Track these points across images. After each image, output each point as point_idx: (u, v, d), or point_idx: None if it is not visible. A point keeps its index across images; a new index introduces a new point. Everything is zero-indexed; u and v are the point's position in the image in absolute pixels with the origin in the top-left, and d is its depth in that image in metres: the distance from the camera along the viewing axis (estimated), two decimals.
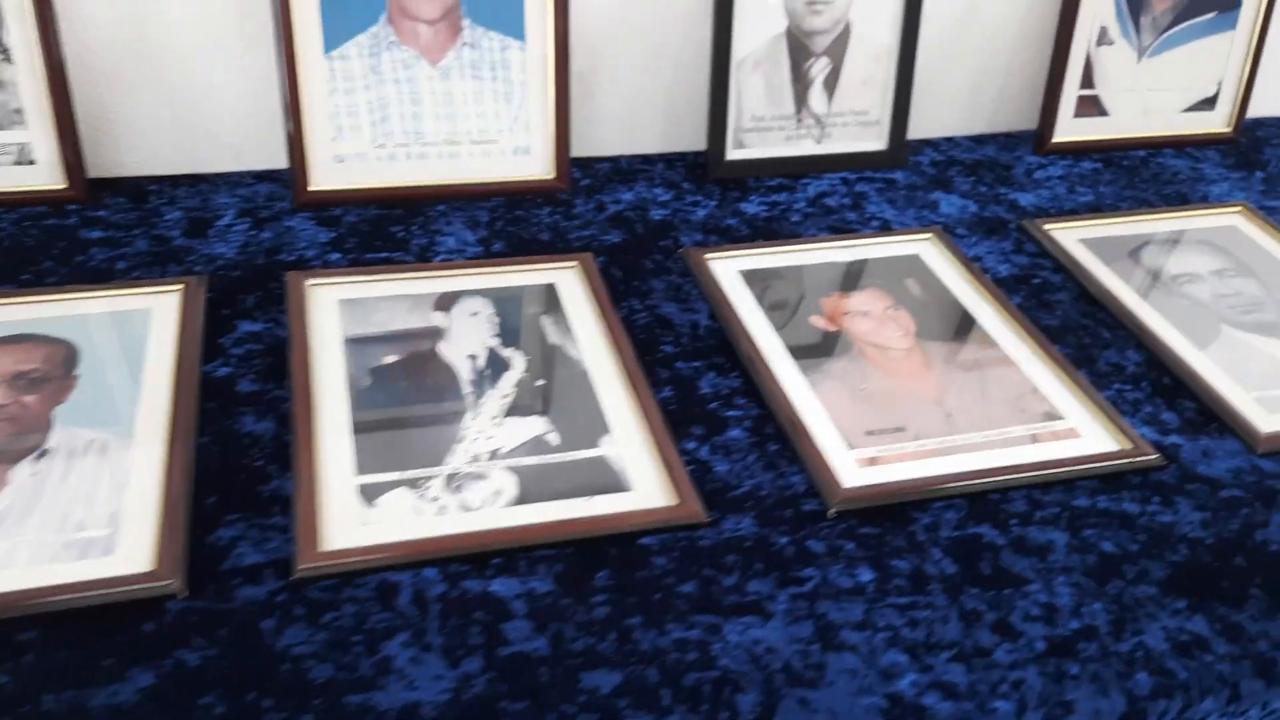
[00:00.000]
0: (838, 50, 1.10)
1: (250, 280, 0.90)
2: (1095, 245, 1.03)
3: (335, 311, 0.86)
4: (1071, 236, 1.05)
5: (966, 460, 0.78)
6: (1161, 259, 1.03)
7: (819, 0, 1.07)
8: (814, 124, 1.12)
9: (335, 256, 0.94)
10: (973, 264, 0.99)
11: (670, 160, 1.14)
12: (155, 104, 1.01)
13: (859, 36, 1.10)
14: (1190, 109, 1.22)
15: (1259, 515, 0.75)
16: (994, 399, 0.84)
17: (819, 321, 0.91)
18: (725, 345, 0.87)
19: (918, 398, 0.83)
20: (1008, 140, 1.23)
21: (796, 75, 1.10)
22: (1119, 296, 0.96)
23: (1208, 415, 0.84)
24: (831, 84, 1.11)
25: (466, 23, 0.98)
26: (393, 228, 0.98)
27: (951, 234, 1.05)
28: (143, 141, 1.02)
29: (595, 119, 1.12)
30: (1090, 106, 1.19)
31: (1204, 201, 1.13)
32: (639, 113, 1.13)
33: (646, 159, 1.14)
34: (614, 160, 1.13)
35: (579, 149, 1.13)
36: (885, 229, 1.05)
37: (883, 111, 1.14)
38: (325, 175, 0.99)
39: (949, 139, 1.23)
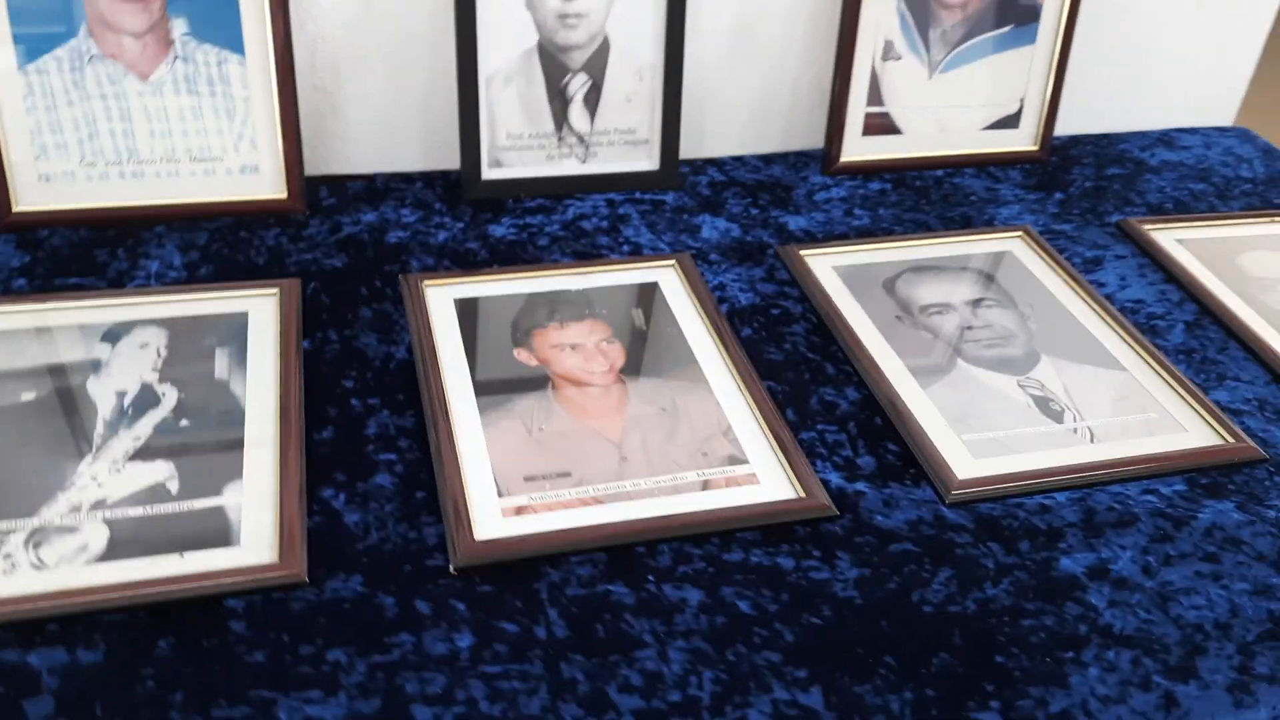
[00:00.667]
0: (597, 66, 1.05)
1: None
2: (849, 273, 0.99)
3: None
4: (826, 263, 1.00)
5: (624, 509, 0.73)
6: (915, 288, 0.98)
7: (571, 14, 1.02)
8: (577, 143, 1.08)
9: (20, 283, 0.89)
10: (710, 293, 0.94)
11: (431, 179, 1.09)
12: None
13: (619, 51, 1.05)
14: (991, 127, 1.18)
15: (924, 573, 0.70)
16: (681, 441, 0.79)
17: (523, 355, 0.86)
18: (412, 381, 0.83)
19: (599, 440, 0.79)
20: (798, 160, 1.18)
21: (553, 92, 1.05)
22: (855, 329, 0.91)
23: (908, 460, 0.79)
24: (593, 101, 1.06)
25: (178, 35, 0.94)
26: (97, 251, 0.94)
27: (703, 260, 1.00)
28: None
29: (347, 136, 1.07)
30: (880, 124, 1.14)
31: (988, 225, 1.09)
32: (395, 129, 1.08)
33: (406, 178, 1.09)
34: (369, 179, 1.08)
35: (331, 167, 1.08)
36: (635, 254, 1.01)
37: (651, 130, 1.09)
38: (30, 196, 0.95)
39: (737, 158, 1.18)
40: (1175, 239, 1.06)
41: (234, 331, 0.85)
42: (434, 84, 1.05)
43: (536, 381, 0.83)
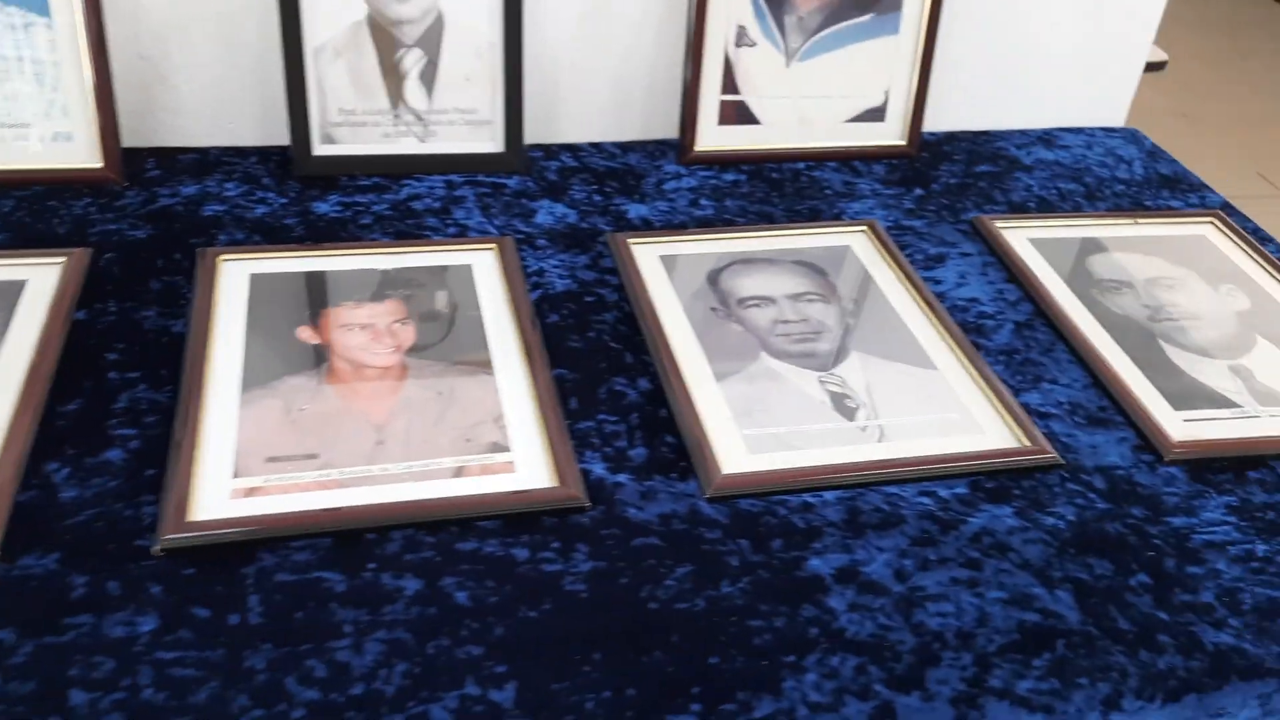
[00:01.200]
0: (431, 42, 1.02)
1: None
2: (675, 264, 0.95)
3: None
4: (652, 253, 0.96)
5: (365, 494, 0.69)
6: (738, 280, 0.95)
7: None
8: (415, 121, 1.05)
9: None
10: (524, 279, 0.91)
11: (268, 154, 1.06)
12: None
13: (455, 28, 1.02)
14: (856, 119, 1.14)
15: (661, 568, 0.66)
16: (448, 426, 0.76)
17: (305, 333, 0.83)
18: (179, 357, 0.80)
19: (360, 422, 0.75)
20: (657, 148, 1.14)
21: (386, 67, 1.02)
22: (663, 319, 0.87)
23: (681, 453, 0.76)
24: (429, 78, 1.03)
25: None
26: None
27: (530, 245, 0.97)
28: None
29: (178, 108, 1.04)
30: (737, 113, 1.11)
31: (835, 219, 1.05)
32: (228, 102, 1.05)
33: (240, 152, 1.06)
34: (203, 151, 1.06)
35: (161, 138, 1.05)
36: (459, 236, 0.98)
37: (494, 111, 1.06)
38: None
39: (595, 145, 1.14)
40: (1027, 238, 1.03)
41: (5, 300, 0.82)
42: (266, 55, 1.02)
43: (311, 361, 0.80)
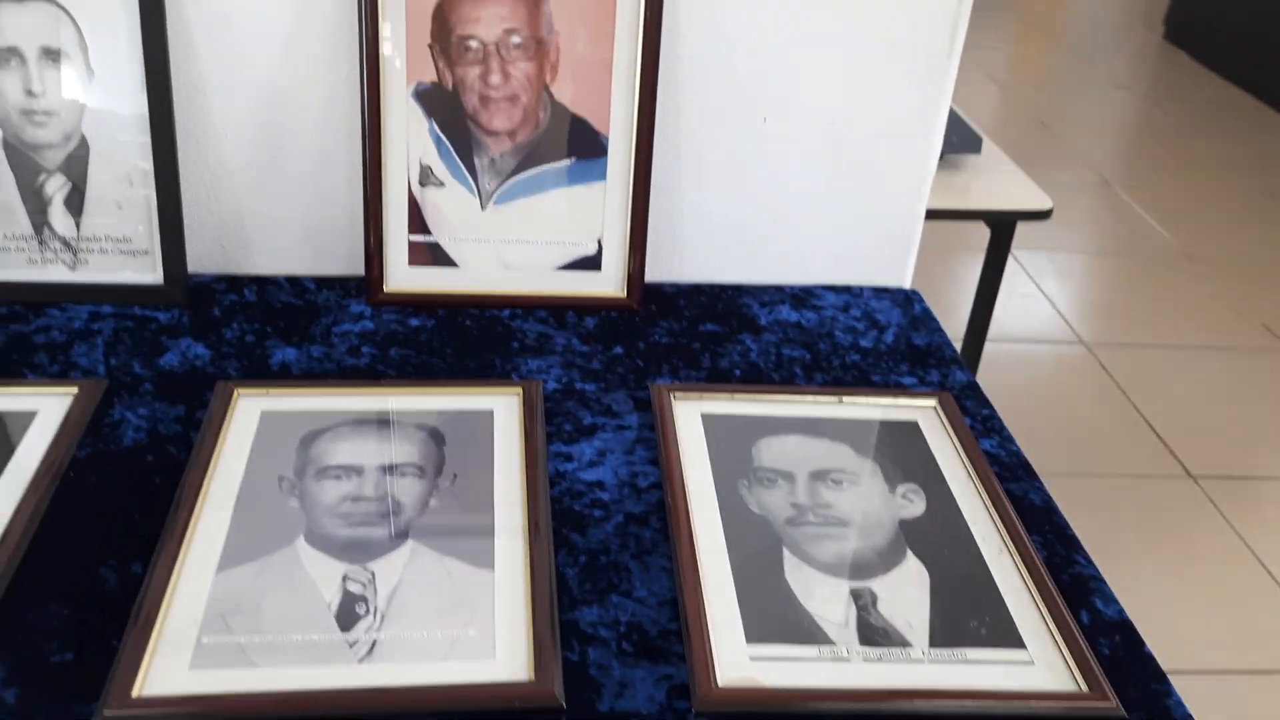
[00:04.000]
0: (76, 167, 0.96)
1: None
2: (273, 422, 0.85)
3: None
4: (254, 407, 0.85)
5: None
6: (334, 445, 0.83)
7: (39, 110, 0.94)
8: (62, 248, 0.98)
9: None
10: (80, 433, 0.82)
11: None
12: None
13: (100, 154, 0.96)
14: (570, 267, 1.04)
15: None
16: None
17: None
18: None
19: None
20: (358, 286, 1.06)
21: (26, 192, 0.96)
22: (210, 487, 0.77)
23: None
24: (76, 205, 0.97)
25: None
26: None
27: (129, 392, 0.87)
28: None
29: None
30: (429, 255, 1.02)
31: (503, 378, 0.94)
32: None
33: None
34: None
35: None
36: (60, 376, 0.90)
37: (151, 241, 0.98)
38: None
39: (293, 279, 1.06)
40: (700, 412, 0.90)
41: None
42: None
43: None
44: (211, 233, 1.04)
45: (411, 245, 1.02)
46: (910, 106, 1.05)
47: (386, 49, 0.95)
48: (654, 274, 1.09)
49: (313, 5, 0.95)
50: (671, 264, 1.10)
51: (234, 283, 1.05)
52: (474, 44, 0.96)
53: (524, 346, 0.99)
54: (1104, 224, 3.53)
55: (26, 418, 0.83)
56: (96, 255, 0.98)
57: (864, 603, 0.72)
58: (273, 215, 1.04)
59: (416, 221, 1.01)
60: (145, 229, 0.98)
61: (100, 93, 0.94)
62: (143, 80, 0.93)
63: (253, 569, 0.72)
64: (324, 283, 1.06)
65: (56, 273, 0.98)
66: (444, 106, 0.98)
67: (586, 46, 0.97)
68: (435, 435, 0.86)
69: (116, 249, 0.99)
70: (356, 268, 1.07)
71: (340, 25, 0.96)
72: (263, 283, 1.05)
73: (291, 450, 0.82)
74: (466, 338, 1.00)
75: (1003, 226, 1.61)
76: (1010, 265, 2.22)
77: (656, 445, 0.86)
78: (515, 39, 0.96)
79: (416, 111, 0.97)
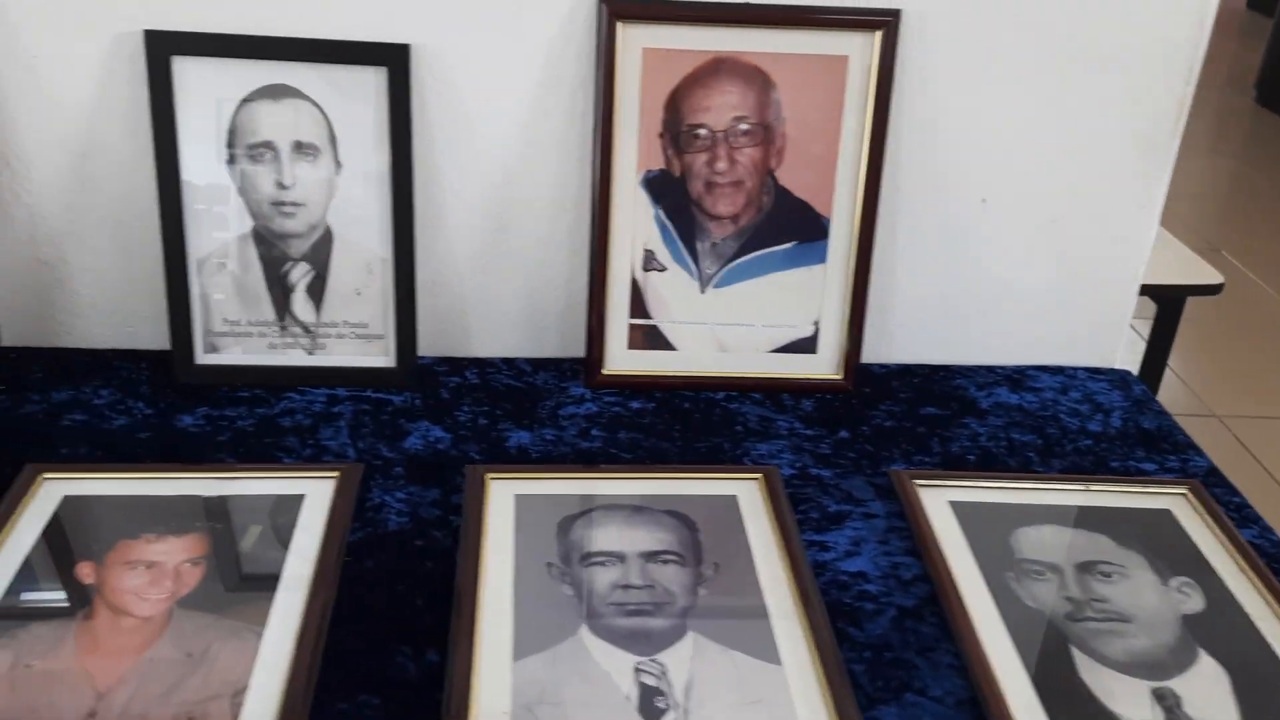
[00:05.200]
0: (319, 256, 0.99)
1: None
2: (529, 505, 0.85)
3: None
4: (507, 491, 0.87)
5: None
6: (592, 531, 0.83)
7: (288, 202, 0.97)
8: (302, 333, 1.01)
9: None
10: (348, 516, 0.83)
11: (159, 359, 1.04)
12: None
13: (344, 243, 0.98)
14: (783, 350, 1.04)
15: None
16: (179, 700, 0.66)
17: (84, 571, 0.76)
18: None
19: (79, 686, 0.67)
20: (573, 367, 1.07)
21: (273, 279, 0.99)
22: (485, 575, 0.77)
23: None
24: (318, 292, 1.00)
25: None
26: None
27: (383, 474, 0.90)
28: None
29: (78, 310, 1.04)
30: (647, 338, 1.03)
31: (734, 463, 0.93)
32: (124, 306, 1.03)
33: (134, 355, 1.04)
34: (97, 354, 1.04)
35: (58, 339, 1.04)
36: (313, 460, 0.91)
37: (385, 326, 1.01)
38: None
39: (508, 361, 1.08)
40: (948, 500, 0.89)
41: None
42: (160, 261, 1.01)
43: (72, 606, 0.74)
44: (435, 317, 1.06)
45: (631, 328, 1.03)
46: (1128, 188, 1.05)
47: (620, 140, 0.97)
48: (862, 354, 1.09)
49: (549, 100, 0.98)
50: (879, 344, 1.10)
51: (455, 365, 1.07)
52: (703, 132, 0.98)
53: (748, 430, 0.99)
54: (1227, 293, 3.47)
55: (294, 501, 0.85)
56: (334, 340, 1.01)
57: (1169, 704, 0.70)
58: (494, 300, 1.07)
59: (637, 305, 1.02)
60: (380, 314, 1.01)
61: (346, 184, 0.97)
62: (388, 172, 0.97)
63: (545, 659, 0.71)
64: (539, 364, 1.08)
65: (295, 357, 1.01)
66: (670, 193, 0.99)
67: (813, 131, 0.98)
68: (687, 521, 0.86)
69: (353, 334, 1.01)
70: (568, 350, 1.09)
71: (573, 119, 0.99)
72: (481, 365, 1.07)
73: (551, 535, 0.83)
74: (689, 421, 1.00)
75: (1171, 302, 1.58)
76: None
77: (910, 534, 0.86)
78: (743, 126, 0.98)
79: (643, 198, 0.99)
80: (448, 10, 0.95)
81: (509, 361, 1.09)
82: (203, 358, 1.00)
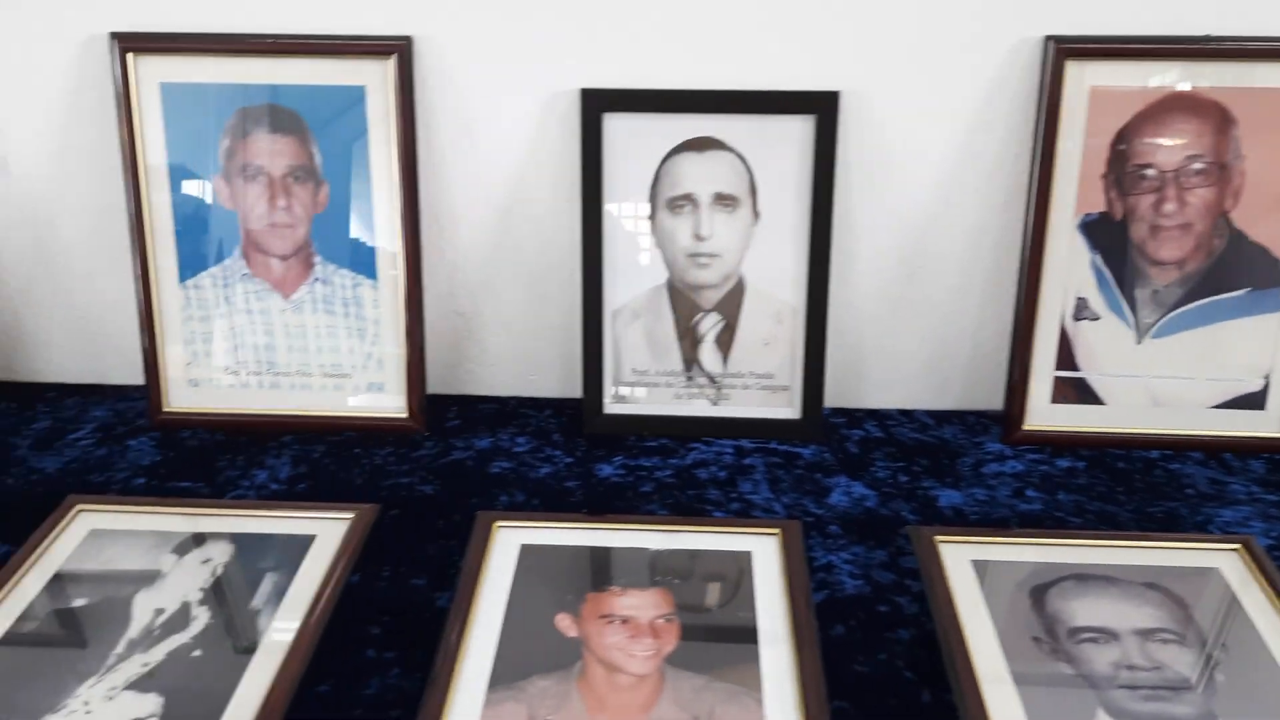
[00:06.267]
0: (730, 307, 0.97)
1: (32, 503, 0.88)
2: (992, 571, 0.80)
3: (73, 545, 0.84)
4: (964, 555, 0.82)
5: None
6: (1071, 603, 0.77)
7: (704, 253, 0.96)
8: (708, 384, 0.99)
9: (139, 482, 0.94)
10: (808, 576, 0.80)
11: (562, 407, 1.05)
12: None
13: (756, 293, 0.97)
14: (1226, 405, 0.95)
15: None
16: None
17: (564, 623, 0.76)
18: (437, 637, 0.75)
19: None
20: (978, 422, 1.02)
21: (683, 330, 0.99)
22: (973, 648, 0.72)
23: None
24: (726, 342, 0.98)
25: (318, 259, 0.98)
26: (221, 456, 0.97)
27: (819, 532, 0.87)
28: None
29: (483, 359, 1.07)
30: (1074, 391, 0.96)
31: (1198, 530, 0.86)
32: (530, 356, 1.06)
33: (537, 403, 1.06)
34: (503, 401, 1.07)
35: (466, 387, 1.08)
36: (742, 514, 0.89)
37: (792, 377, 0.98)
38: (180, 397, 1.01)
39: (905, 413, 1.04)
40: None
41: (293, 555, 0.83)
42: (570, 313, 1.03)
43: (565, 659, 0.74)
44: (832, 366, 1.03)
45: (1056, 381, 0.97)
46: None
47: (1059, 182, 0.92)
48: None
49: (978, 142, 0.94)
50: None
51: (850, 416, 1.04)
52: (1151, 172, 0.91)
53: (1200, 494, 0.91)
54: None
55: (743, 558, 0.82)
56: (739, 391, 1.00)
57: None
58: (896, 349, 1.03)
59: (1064, 356, 0.96)
60: (787, 365, 0.99)
61: (763, 235, 0.96)
62: (806, 221, 0.95)
63: None
64: (940, 417, 1.03)
65: (699, 407, 1.00)
66: (1109, 237, 0.93)
67: (1275, 170, 0.90)
68: (1171, 596, 0.79)
69: (758, 385, 1.00)
70: (971, 402, 1.04)
71: (1003, 162, 0.94)
72: (879, 416, 1.03)
73: (1025, 605, 0.78)
74: (1129, 482, 0.93)
75: None
76: None
77: None
78: (1196, 165, 0.91)
79: (1080, 243, 0.93)
80: (878, 55, 0.93)
81: (906, 413, 1.04)
82: (610, 407, 1.01)
